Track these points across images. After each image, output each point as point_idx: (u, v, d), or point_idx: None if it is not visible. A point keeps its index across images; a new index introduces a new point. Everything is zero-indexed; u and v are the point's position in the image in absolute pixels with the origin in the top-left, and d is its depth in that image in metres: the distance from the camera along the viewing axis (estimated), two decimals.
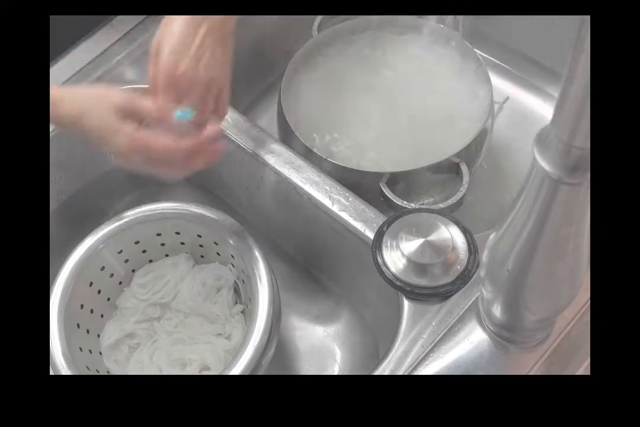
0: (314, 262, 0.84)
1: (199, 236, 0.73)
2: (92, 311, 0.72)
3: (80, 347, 0.68)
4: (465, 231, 0.64)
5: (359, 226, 0.67)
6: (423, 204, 0.75)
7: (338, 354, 0.81)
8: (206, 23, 0.58)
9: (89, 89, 0.63)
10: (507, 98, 0.93)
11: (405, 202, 0.72)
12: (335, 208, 0.69)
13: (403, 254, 0.62)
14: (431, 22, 0.82)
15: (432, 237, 0.63)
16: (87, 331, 0.71)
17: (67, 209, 0.83)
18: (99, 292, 0.73)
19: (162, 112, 0.58)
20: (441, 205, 0.72)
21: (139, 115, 0.58)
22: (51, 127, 0.73)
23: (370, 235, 0.66)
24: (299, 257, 0.85)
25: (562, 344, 0.60)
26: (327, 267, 0.82)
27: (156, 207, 0.71)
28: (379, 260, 0.63)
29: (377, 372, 0.61)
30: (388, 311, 0.67)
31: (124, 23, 0.81)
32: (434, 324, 0.62)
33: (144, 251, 0.75)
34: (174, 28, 0.58)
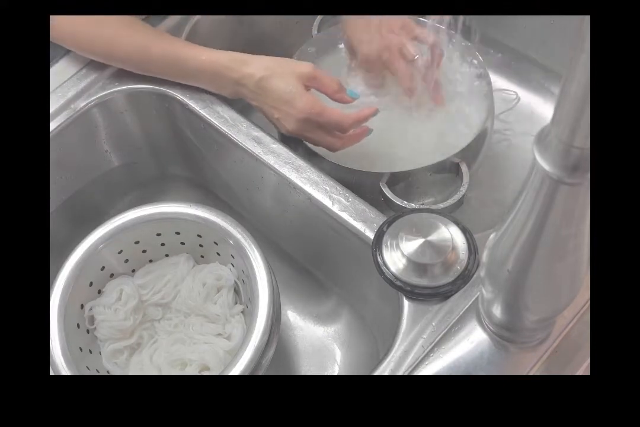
0: (314, 262, 0.84)
1: (199, 236, 0.73)
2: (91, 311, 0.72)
3: (80, 347, 0.68)
4: (465, 231, 0.64)
5: (359, 225, 0.67)
6: (423, 204, 0.75)
7: (338, 354, 0.81)
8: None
9: (271, 57, 0.71)
10: (518, 98, 0.93)
11: (405, 202, 0.72)
12: (335, 208, 0.69)
13: (403, 254, 0.62)
14: (431, 22, 0.82)
15: (432, 237, 0.63)
16: (87, 331, 0.71)
17: (67, 209, 0.83)
18: (99, 292, 0.73)
19: (341, 87, 0.70)
20: (441, 206, 0.72)
21: (318, 86, 0.69)
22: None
23: (370, 235, 0.66)
24: (299, 257, 0.85)
25: (562, 344, 0.60)
26: (327, 267, 0.82)
27: (156, 207, 0.71)
28: (379, 260, 0.63)
29: (377, 372, 0.61)
30: (388, 311, 0.68)
31: None
32: (434, 324, 0.62)
33: (144, 251, 0.75)
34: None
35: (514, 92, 0.93)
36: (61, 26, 0.72)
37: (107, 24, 0.71)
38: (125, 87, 0.77)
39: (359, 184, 0.73)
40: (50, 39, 0.73)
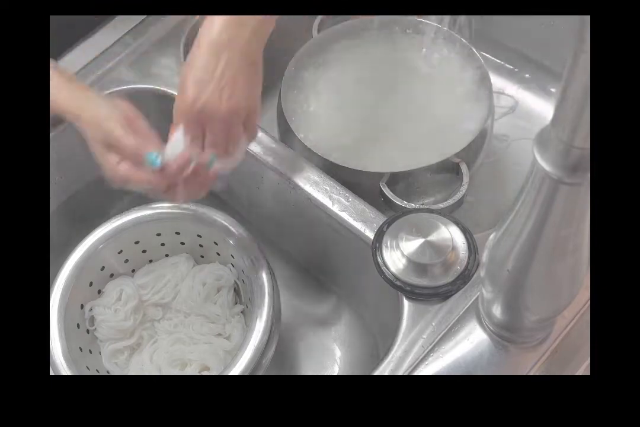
0: (314, 262, 0.84)
1: (199, 236, 0.73)
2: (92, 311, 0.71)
3: (80, 347, 0.68)
4: (465, 231, 0.64)
5: (359, 225, 0.67)
6: (423, 204, 0.75)
7: (338, 354, 0.81)
8: (226, 53, 0.57)
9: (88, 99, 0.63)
10: (517, 103, 0.93)
11: (405, 202, 0.72)
12: (335, 208, 0.69)
13: (403, 254, 0.62)
14: (431, 22, 0.82)
15: (432, 237, 0.63)
16: (87, 331, 0.71)
17: (67, 209, 0.83)
18: (99, 292, 0.73)
19: (137, 153, 0.59)
20: (441, 206, 0.72)
21: (119, 150, 0.59)
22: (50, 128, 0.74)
23: (370, 235, 0.66)
24: (299, 257, 0.85)
25: (562, 344, 0.60)
26: (327, 267, 0.82)
27: (156, 207, 0.71)
28: (379, 260, 0.63)
29: (377, 372, 0.61)
30: (388, 311, 0.67)
31: (124, 23, 0.81)
32: (434, 324, 0.62)
33: (144, 251, 0.75)
34: (195, 62, 0.57)
35: (511, 96, 0.93)
36: None
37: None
38: (125, 87, 0.77)
39: (359, 184, 0.73)
40: None
